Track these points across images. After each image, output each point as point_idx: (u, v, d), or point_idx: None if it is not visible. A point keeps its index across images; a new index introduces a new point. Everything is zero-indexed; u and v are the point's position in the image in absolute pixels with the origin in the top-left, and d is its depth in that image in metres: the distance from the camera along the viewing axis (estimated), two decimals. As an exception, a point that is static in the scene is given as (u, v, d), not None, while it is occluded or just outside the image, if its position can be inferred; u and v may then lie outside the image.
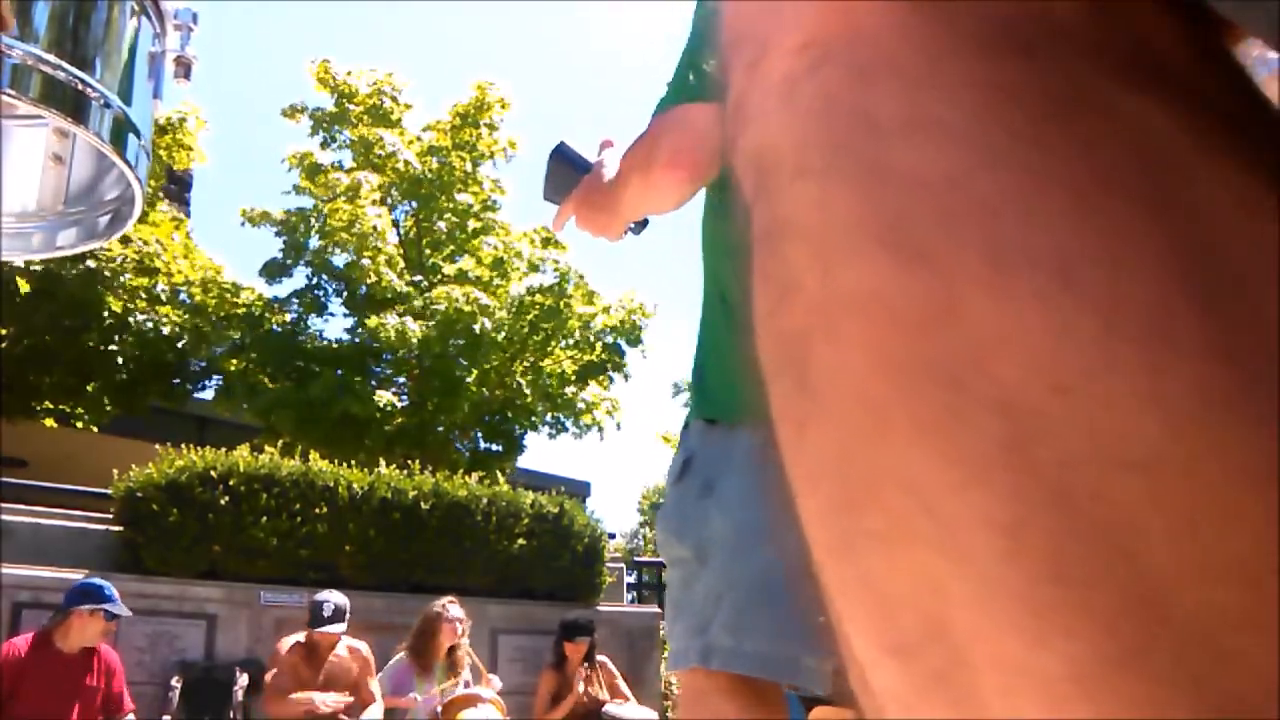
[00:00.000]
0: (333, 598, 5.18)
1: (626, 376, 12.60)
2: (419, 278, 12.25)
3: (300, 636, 5.17)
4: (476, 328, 11.03)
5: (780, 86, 0.25)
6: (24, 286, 9.60)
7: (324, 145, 12.64)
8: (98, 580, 4.74)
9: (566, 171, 1.53)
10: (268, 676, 5.13)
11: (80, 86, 0.84)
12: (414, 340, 10.92)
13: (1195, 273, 0.21)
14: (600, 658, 6.13)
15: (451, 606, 5.47)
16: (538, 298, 12.01)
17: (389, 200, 12.51)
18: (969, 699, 0.21)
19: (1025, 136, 0.22)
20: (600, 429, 12.54)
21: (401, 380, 11.89)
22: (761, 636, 1.19)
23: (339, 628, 5.11)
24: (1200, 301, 0.20)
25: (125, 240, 10.18)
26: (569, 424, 12.45)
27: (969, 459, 0.21)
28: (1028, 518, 0.20)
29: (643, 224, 1.53)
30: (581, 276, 12.46)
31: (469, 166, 12.83)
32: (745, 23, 0.28)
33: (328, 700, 4.95)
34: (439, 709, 5.14)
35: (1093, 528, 0.20)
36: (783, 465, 0.25)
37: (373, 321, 11.02)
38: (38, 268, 9.32)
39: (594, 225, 1.51)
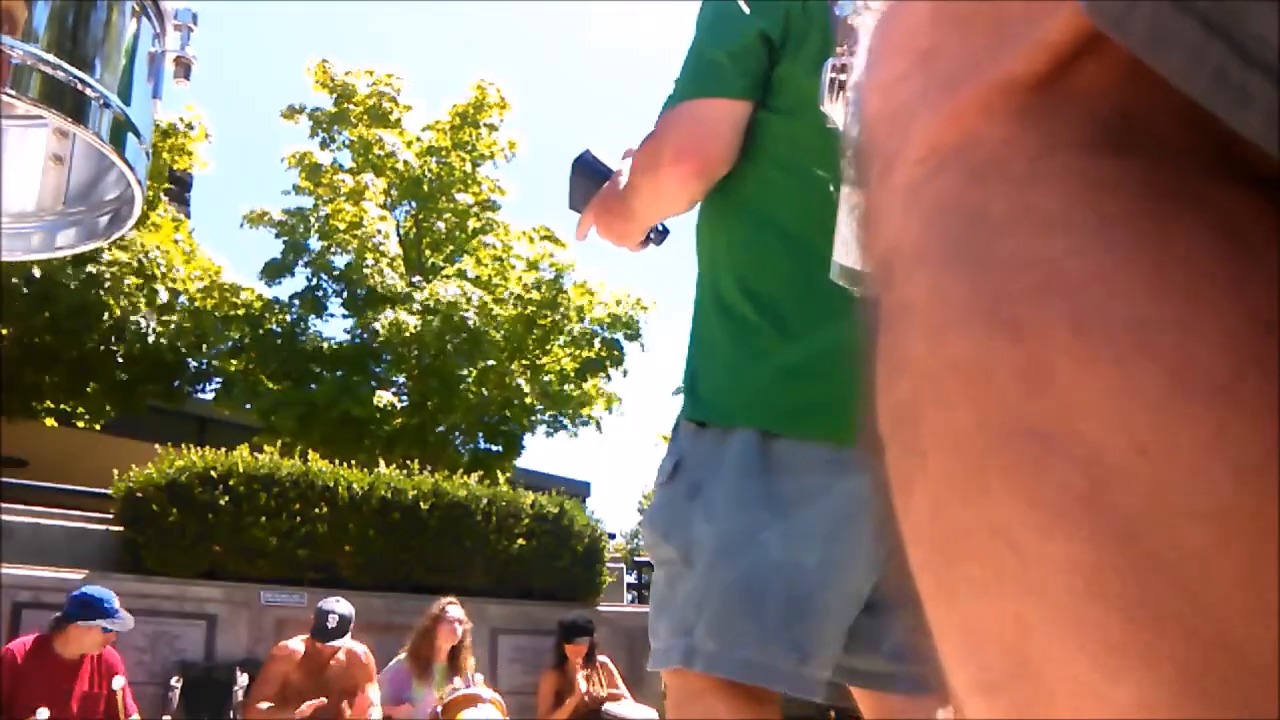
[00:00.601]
0: (337, 608, 5.12)
1: (625, 373, 12.60)
2: (418, 278, 12.25)
3: (300, 641, 5.16)
4: (470, 321, 11.02)
5: (904, 193, 0.29)
6: (23, 289, 9.60)
7: (324, 145, 12.64)
8: (99, 592, 4.61)
9: (588, 180, 1.52)
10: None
11: (80, 86, 0.83)
12: (409, 333, 10.90)
13: (1264, 341, 0.23)
14: (600, 658, 6.13)
15: (451, 608, 5.46)
16: (534, 294, 12.01)
17: (388, 201, 12.51)
18: None
19: (1116, 222, 0.25)
20: (598, 425, 12.55)
21: (401, 380, 11.89)
22: (745, 642, 1.17)
23: (342, 641, 5.09)
24: (1267, 366, 0.22)
25: (125, 246, 10.19)
26: (565, 421, 12.45)
27: (1054, 508, 0.23)
28: (1105, 561, 0.22)
29: (663, 234, 1.52)
30: (573, 269, 12.48)
31: (468, 167, 12.82)
32: (875, 141, 0.31)
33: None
34: (439, 709, 5.14)
35: (1164, 572, 0.22)
36: (896, 524, 0.28)
37: (366, 317, 11.02)
38: (37, 271, 9.31)
39: (613, 234, 1.50)
